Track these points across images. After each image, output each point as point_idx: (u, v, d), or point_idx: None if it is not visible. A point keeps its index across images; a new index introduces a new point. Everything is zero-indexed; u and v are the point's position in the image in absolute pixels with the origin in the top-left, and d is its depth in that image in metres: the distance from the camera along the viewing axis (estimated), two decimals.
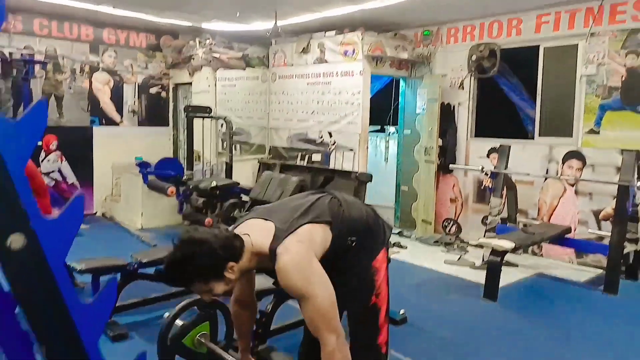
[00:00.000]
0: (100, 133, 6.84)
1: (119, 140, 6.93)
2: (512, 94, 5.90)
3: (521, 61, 5.75)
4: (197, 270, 1.63)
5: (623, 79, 4.80)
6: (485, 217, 5.46)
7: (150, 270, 3.56)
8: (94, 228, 6.00)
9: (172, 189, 5.43)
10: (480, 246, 5.00)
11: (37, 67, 6.28)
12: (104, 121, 6.92)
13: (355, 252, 1.94)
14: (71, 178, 6.62)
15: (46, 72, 6.42)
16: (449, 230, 6.04)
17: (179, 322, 2.47)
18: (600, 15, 4.91)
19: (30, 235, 0.88)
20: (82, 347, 0.94)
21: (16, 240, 0.87)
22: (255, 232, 1.78)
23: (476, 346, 3.24)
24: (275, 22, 5.99)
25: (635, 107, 4.73)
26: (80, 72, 6.72)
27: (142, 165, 5.78)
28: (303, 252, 1.70)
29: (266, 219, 1.83)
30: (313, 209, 1.87)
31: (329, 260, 1.81)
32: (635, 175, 4.43)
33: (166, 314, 2.47)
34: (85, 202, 6.32)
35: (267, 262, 1.75)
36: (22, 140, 0.89)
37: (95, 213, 6.76)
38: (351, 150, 6.25)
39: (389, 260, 2.16)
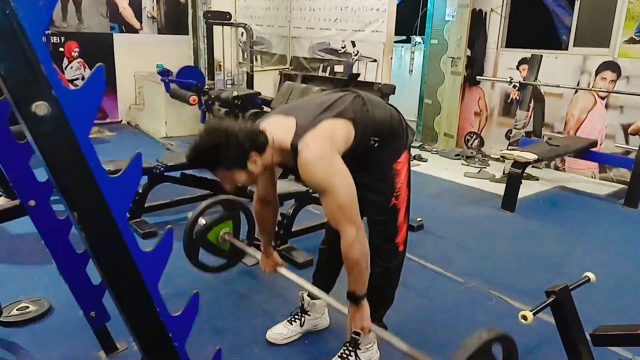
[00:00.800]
0: (120, 40, 6.72)
1: (139, 48, 6.81)
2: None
3: None
4: (221, 157, 1.66)
5: None
6: (510, 131, 5.34)
7: (176, 174, 3.66)
8: (120, 136, 6.11)
9: (194, 97, 5.41)
10: (502, 160, 4.94)
11: None
12: (124, 28, 6.77)
13: (376, 152, 1.93)
14: None
15: None
16: (471, 144, 5.95)
17: (202, 220, 2.57)
18: None
19: (54, 103, 0.88)
20: (110, 215, 0.98)
21: (41, 107, 0.87)
22: (277, 128, 1.77)
23: (489, 249, 3.32)
24: None
25: None
26: None
27: (164, 74, 5.73)
28: (324, 147, 1.70)
29: (287, 116, 1.81)
30: (336, 105, 1.84)
31: (350, 160, 1.81)
32: None
33: (189, 214, 2.57)
34: (111, 110, 6.40)
35: (288, 158, 1.76)
36: (41, 7, 0.86)
37: (121, 121, 6.84)
38: (374, 61, 6.03)
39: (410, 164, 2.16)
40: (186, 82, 5.79)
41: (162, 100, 6.01)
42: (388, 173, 2.00)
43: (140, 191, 3.53)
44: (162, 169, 3.57)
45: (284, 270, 2.21)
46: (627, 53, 4.72)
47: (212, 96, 5.73)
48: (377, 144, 1.91)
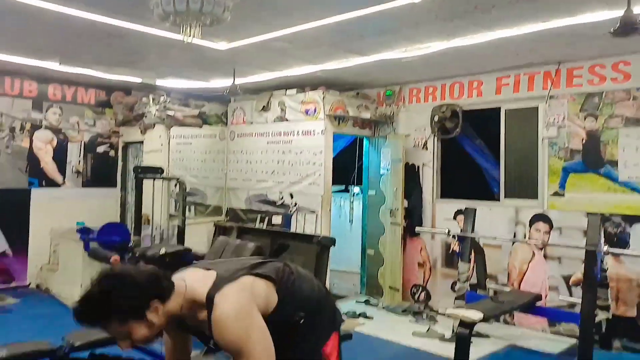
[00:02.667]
0: (39, 195, 6.64)
1: (60, 203, 6.74)
2: (476, 154, 6.12)
3: (484, 122, 6.01)
4: (114, 306, 1.53)
5: (583, 141, 5.07)
6: (455, 283, 5.48)
7: (84, 355, 3.37)
8: (26, 302, 5.69)
9: (115, 257, 5.26)
10: (450, 316, 4.98)
11: None
12: (44, 183, 6.74)
13: (303, 332, 1.89)
14: (2, 246, 6.32)
15: None
16: (418, 298, 6.01)
17: None
18: (558, 79, 5.25)
19: None
20: None
21: None
22: (193, 279, 1.72)
23: None
24: (234, 81, 6.12)
25: (597, 170, 4.97)
26: (20, 130, 6.60)
27: (84, 232, 5.61)
28: (244, 302, 1.63)
29: (208, 269, 1.78)
30: (261, 266, 1.85)
31: (274, 339, 1.75)
32: (602, 239, 4.59)
33: None
34: (18, 272, 6.06)
35: (200, 313, 1.64)
36: None
37: (29, 285, 6.43)
38: (313, 212, 6.25)
39: (344, 337, 2.13)
40: (109, 240, 5.66)
41: (80, 259, 5.78)
42: (317, 358, 1.94)
43: None
44: (67, 349, 3.29)
45: None
46: (556, 205, 5.20)
47: (137, 254, 5.58)
48: (302, 320, 1.87)
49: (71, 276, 5.95)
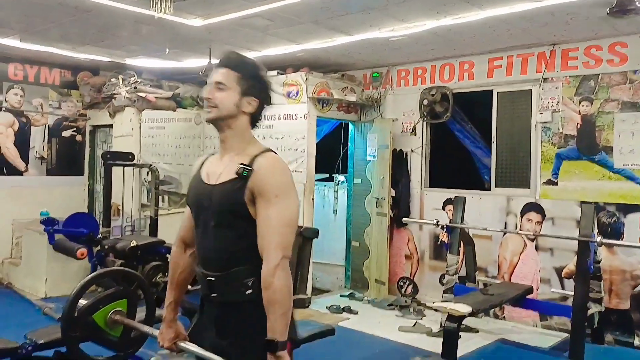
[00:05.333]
0: None
1: (22, 192, 6.66)
2: (466, 140, 6.15)
3: (475, 106, 6.05)
4: (253, 77, 1.90)
5: (578, 126, 5.13)
6: (443, 276, 5.54)
7: (49, 353, 3.34)
8: None
9: (82, 250, 5.17)
10: (437, 310, 5.04)
11: None
12: (4, 170, 6.63)
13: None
14: None
15: None
16: (405, 291, 6.07)
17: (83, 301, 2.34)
18: (552, 61, 5.29)
19: None
20: None
21: None
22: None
23: None
24: (210, 61, 6.05)
25: (591, 157, 5.04)
26: None
27: (48, 222, 5.51)
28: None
29: None
30: None
31: None
32: (596, 230, 4.67)
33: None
34: None
35: (243, 147, 1.91)
36: None
37: None
38: None
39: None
40: (75, 232, 5.59)
41: (44, 252, 5.74)
42: None
43: None
44: (29, 348, 3.25)
45: (187, 345, 1.94)
46: (548, 194, 5.27)
47: (107, 247, 5.53)
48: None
49: (35, 270, 5.91)
